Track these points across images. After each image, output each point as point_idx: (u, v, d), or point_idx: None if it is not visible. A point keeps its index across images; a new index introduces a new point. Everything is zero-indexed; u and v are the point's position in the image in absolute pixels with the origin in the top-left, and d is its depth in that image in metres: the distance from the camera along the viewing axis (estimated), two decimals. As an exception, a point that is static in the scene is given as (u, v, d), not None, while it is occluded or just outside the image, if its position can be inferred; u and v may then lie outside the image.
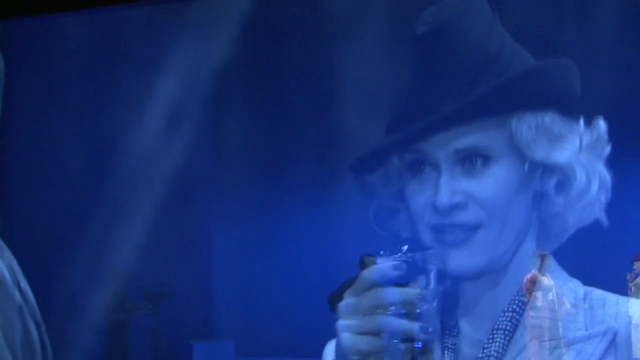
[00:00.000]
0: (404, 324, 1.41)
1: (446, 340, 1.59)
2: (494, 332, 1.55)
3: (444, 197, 1.50)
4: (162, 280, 4.71)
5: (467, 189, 1.52)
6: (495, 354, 1.54)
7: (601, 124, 1.59)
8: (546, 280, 1.56)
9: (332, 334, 1.52)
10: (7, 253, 1.13)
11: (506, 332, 1.54)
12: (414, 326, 1.40)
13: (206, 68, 4.79)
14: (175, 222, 4.91)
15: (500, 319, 1.56)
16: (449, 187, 1.52)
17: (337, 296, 1.57)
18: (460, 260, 1.53)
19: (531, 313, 1.54)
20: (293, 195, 4.75)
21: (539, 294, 1.55)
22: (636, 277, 1.58)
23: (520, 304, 1.55)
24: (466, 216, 1.52)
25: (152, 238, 4.63)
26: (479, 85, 1.52)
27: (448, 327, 1.59)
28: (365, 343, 1.43)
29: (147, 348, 4.76)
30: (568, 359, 1.51)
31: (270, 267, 4.86)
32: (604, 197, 1.58)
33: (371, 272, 1.43)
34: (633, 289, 1.58)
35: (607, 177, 1.58)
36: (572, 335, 1.53)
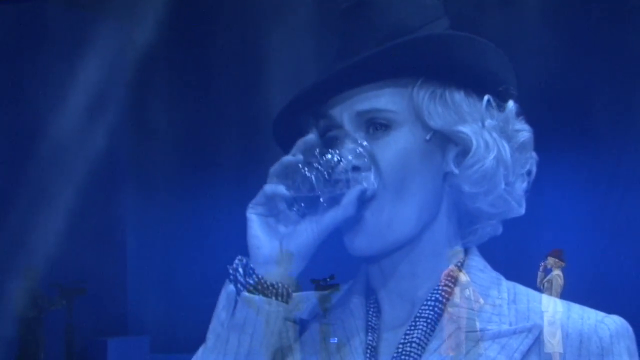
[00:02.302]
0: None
1: (370, 320, 1.57)
2: (417, 319, 1.54)
3: (344, 160, 1.48)
4: (77, 275, 4.66)
5: (367, 154, 1.49)
6: (417, 341, 1.52)
7: (510, 106, 1.56)
8: (464, 276, 1.54)
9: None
10: None
11: (429, 321, 1.53)
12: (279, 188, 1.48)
13: (130, 52, 4.73)
14: (91, 214, 4.84)
15: (422, 307, 1.54)
16: (351, 150, 1.49)
17: None
18: (353, 241, 1.50)
19: (454, 303, 1.52)
20: (215, 186, 4.71)
21: (461, 286, 1.53)
22: (547, 273, 1.57)
23: (443, 293, 1.54)
24: (361, 182, 1.49)
25: (67, 230, 4.57)
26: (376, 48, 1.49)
27: (369, 304, 1.57)
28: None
29: (61, 344, 4.71)
30: (492, 352, 1.49)
31: (186, 262, 4.83)
32: (503, 170, 1.53)
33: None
34: (546, 284, 1.57)
35: (508, 154, 1.53)
36: (497, 328, 1.51)
